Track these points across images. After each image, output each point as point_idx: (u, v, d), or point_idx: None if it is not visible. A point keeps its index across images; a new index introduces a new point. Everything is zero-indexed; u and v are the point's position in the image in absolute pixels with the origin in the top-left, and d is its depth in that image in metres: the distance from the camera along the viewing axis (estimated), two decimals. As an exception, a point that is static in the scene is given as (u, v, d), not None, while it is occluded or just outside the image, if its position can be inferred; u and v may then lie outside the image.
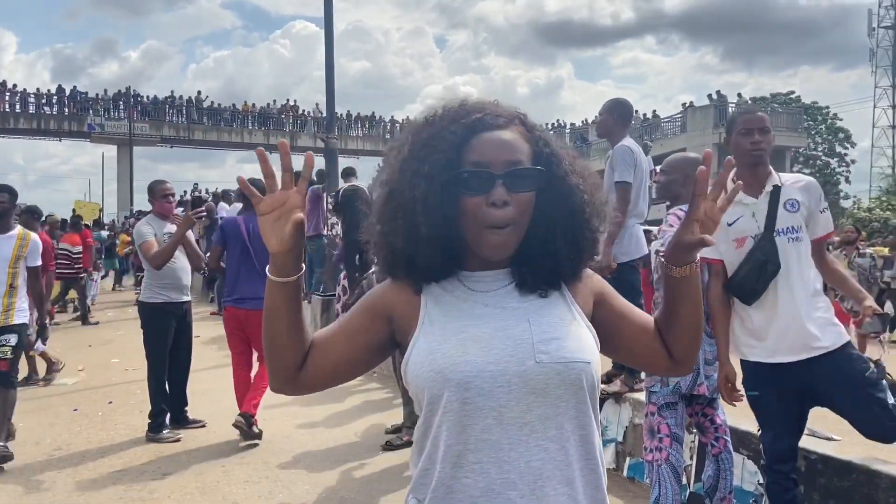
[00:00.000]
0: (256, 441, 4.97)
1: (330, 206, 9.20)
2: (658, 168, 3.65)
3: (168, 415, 5.27)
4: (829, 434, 4.99)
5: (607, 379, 4.54)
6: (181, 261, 5.29)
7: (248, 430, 4.92)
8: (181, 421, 5.39)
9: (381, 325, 1.22)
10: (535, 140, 1.22)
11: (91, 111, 35.35)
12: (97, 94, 36.34)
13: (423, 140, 1.21)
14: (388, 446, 4.77)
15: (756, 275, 2.74)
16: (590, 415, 1.17)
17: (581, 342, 1.17)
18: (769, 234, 2.75)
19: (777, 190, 2.79)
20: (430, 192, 1.16)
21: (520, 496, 1.09)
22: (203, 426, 5.39)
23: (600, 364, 1.21)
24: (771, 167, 2.88)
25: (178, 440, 5.09)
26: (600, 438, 1.20)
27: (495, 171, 1.14)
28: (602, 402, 4.42)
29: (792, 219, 2.77)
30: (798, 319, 2.73)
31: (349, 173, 8.87)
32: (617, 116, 4.72)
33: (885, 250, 11.85)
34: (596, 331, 1.23)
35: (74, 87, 36.25)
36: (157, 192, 5.41)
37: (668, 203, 3.41)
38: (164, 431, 5.15)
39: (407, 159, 1.21)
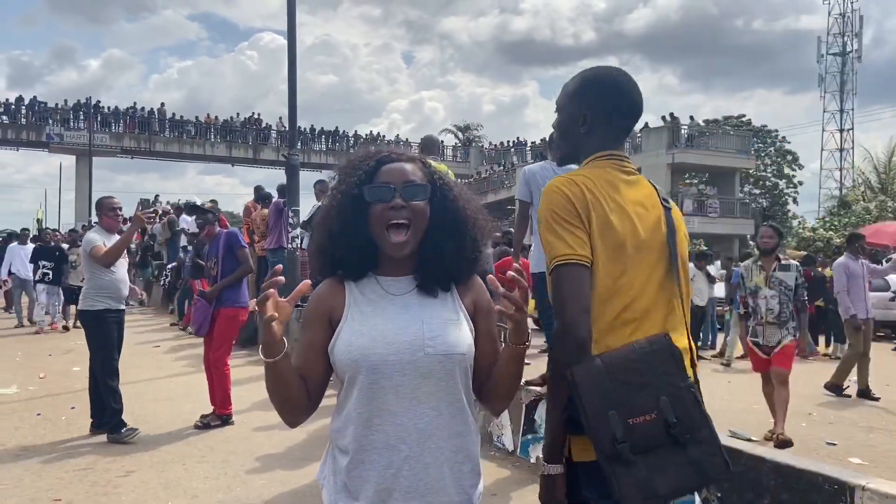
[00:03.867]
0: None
1: (292, 221, 9.51)
2: None
3: (120, 415, 5.47)
4: (748, 435, 5.54)
5: (543, 381, 4.96)
6: (121, 272, 5.64)
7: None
8: (103, 425, 5.54)
9: (328, 327, 1.58)
10: (430, 174, 1.64)
11: (50, 121, 34.94)
12: (56, 104, 35.95)
13: (346, 171, 1.64)
14: None
15: None
16: (461, 391, 1.57)
17: (459, 338, 1.56)
18: None
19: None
20: (343, 202, 1.59)
21: (408, 448, 1.51)
22: (137, 432, 5.55)
23: (474, 350, 1.60)
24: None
25: (136, 435, 5.39)
26: (473, 407, 1.61)
27: (395, 186, 1.55)
28: (537, 402, 4.84)
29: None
30: None
31: (322, 188, 9.19)
32: (548, 142, 5.44)
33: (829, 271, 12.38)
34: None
35: (34, 97, 35.87)
36: (105, 206, 5.75)
37: None
38: (123, 430, 5.40)
39: (334, 186, 1.65)
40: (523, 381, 5.19)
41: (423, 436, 1.52)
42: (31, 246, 13.45)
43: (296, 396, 1.55)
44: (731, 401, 7.05)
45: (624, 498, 1.52)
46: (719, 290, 11.83)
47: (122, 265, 5.69)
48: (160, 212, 16.70)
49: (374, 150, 1.66)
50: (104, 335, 5.49)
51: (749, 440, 5.08)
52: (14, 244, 14.01)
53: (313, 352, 1.59)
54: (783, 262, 5.83)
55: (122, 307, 5.67)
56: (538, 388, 4.90)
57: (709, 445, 1.56)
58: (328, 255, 1.62)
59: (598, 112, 1.80)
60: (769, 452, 3.48)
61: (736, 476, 3.51)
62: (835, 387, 7.71)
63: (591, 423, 1.54)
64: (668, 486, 1.54)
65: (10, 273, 13.34)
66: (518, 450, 4.90)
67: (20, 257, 13.24)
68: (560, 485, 1.66)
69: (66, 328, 12.49)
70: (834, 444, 5.69)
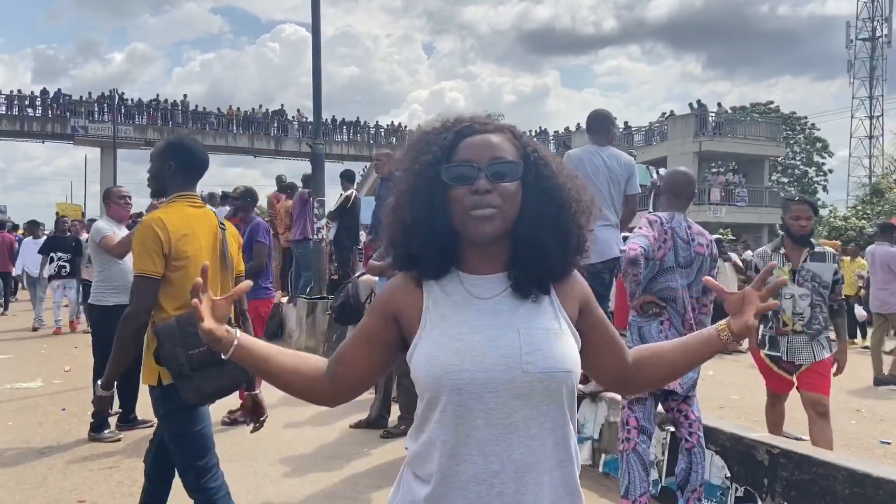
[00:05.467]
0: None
1: (317, 211, 9.33)
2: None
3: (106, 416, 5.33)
4: (797, 434, 5.25)
5: (584, 379, 4.72)
6: (131, 263, 5.41)
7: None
8: (129, 421, 5.47)
9: (391, 326, 1.37)
10: (522, 145, 1.35)
11: (75, 113, 35.18)
12: (81, 97, 36.20)
13: (418, 146, 1.36)
14: (387, 434, 5.17)
15: None
16: (566, 415, 1.32)
17: (564, 352, 1.30)
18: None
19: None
20: (417, 185, 1.33)
21: (502, 483, 1.26)
22: (151, 426, 5.47)
23: (580, 367, 1.36)
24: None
25: (118, 440, 5.17)
26: (576, 435, 1.36)
27: (479, 165, 1.28)
28: (579, 400, 4.60)
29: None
30: None
31: (349, 178, 9.03)
32: (587, 126, 5.11)
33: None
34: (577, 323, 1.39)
35: (59, 89, 36.06)
36: (113, 194, 5.59)
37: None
38: (106, 431, 5.22)
39: (403, 163, 1.38)
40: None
41: (520, 469, 1.27)
42: (42, 239, 12.40)
43: (292, 382, 1.41)
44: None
45: (185, 399, 2.56)
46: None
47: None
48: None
49: (452, 119, 1.38)
50: (111, 334, 5.30)
51: (799, 439, 4.80)
52: (28, 239, 13.18)
53: (361, 338, 1.40)
54: (816, 249, 4.36)
55: None
56: (579, 386, 4.66)
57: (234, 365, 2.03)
58: (401, 251, 1.37)
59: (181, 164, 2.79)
60: (842, 458, 3.22)
61: (804, 484, 3.25)
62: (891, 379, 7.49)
63: (164, 355, 2.54)
64: (212, 388, 2.57)
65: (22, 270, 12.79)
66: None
67: (33, 253, 12.18)
68: (108, 403, 2.82)
69: (87, 330, 11.59)
70: (888, 444, 5.41)
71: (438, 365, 1.27)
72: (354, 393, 1.43)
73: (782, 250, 4.38)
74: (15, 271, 13.41)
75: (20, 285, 15.59)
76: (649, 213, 3.46)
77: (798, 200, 4.47)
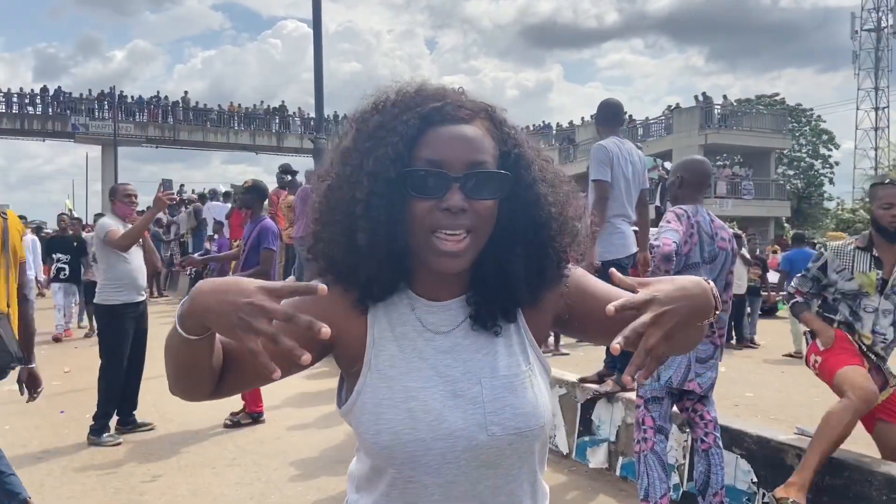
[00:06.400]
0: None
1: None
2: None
3: (108, 420, 5.21)
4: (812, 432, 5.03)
5: (599, 379, 4.55)
6: (137, 260, 5.31)
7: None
8: (129, 423, 5.36)
9: (316, 344, 0.98)
10: (503, 138, 1.05)
11: (75, 111, 35.09)
12: (81, 94, 36.11)
13: (369, 130, 1.03)
14: None
15: None
16: (537, 473, 1.11)
17: (536, 404, 1.05)
18: None
19: None
20: (374, 192, 1.00)
21: None
22: (152, 429, 5.35)
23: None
24: None
25: (118, 444, 5.05)
26: (544, 484, 1.15)
27: (453, 173, 0.98)
28: (594, 401, 4.43)
29: None
30: None
31: None
32: (601, 117, 4.86)
33: None
34: (569, 316, 1.12)
35: (59, 87, 36.02)
36: (119, 192, 5.44)
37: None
38: (105, 436, 5.10)
39: (349, 151, 1.05)
40: (577, 378, 4.81)
41: None
42: (30, 238, 10.19)
43: (206, 378, 1.01)
44: (789, 393, 6.57)
45: None
46: (773, 277, 11.21)
47: (138, 253, 5.33)
48: (185, 200, 16.45)
49: (413, 91, 1.05)
50: (117, 334, 5.18)
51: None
52: (26, 236, 12.06)
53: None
54: None
55: (141, 298, 5.34)
56: (594, 386, 4.49)
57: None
58: (343, 271, 1.05)
59: None
60: (878, 463, 3.05)
61: (837, 489, 3.08)
62: None
63: None
64: None
65: None
66: (573, 453, 4.50)
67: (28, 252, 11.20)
68: None
69: (89, 334, 10.14)
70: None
71: (388, 431, 1.01)
72: (228, 394, 1.08)
73: (874, 251, 3.40)
74: None
75: None
76: (681, 207, 3.29)
77: (889, 183, 3.50)
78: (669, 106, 31.13)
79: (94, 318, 9.48)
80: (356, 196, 1.00)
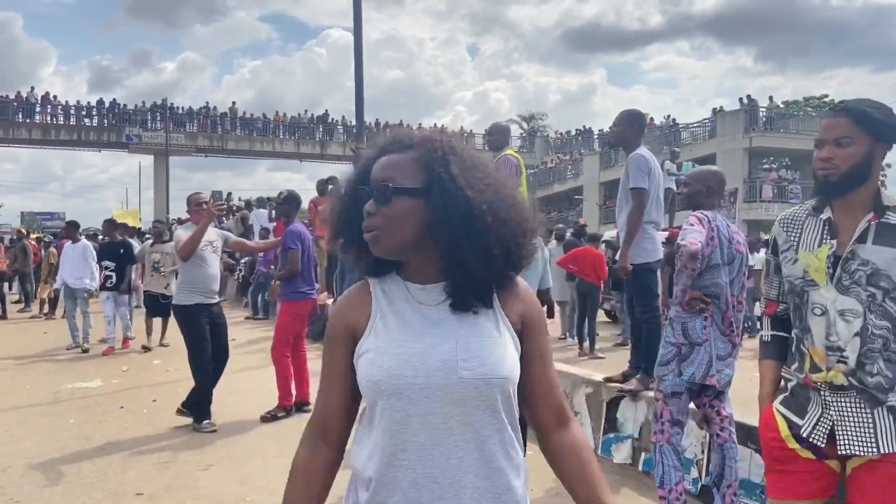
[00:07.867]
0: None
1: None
2: (683, 180, 3.90)
3: (206, 406, 5.68)
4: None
5: (623, 378, 4.74)
6: (213, 267, 5.72)
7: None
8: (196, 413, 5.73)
9: (352, 344, 1.38)
10: (429, 161, 1.35)
11: (129, 122, 36.42)
12: (135, 106, 37.48)
13: (359, 160, 1.49)
14: None
15: None
16: (504, 422, 1.34)
17: (501, 360, 1.33)
18: None
19: None
20: (344, 195, 1.45)
21: (440, 487, 1.30)
22: (215, 430, 5.62)
23: (519, 372, 1.37)
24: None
25: (214, 431, 5.53)
26: (518, 437, 1.38)
27: (371, 188, 1.36)
28: (618, 400, 4.62)
29: None
30: None
31: None
32: (636, 127, 4.98)
33: None
34: (521, 332, 1.41)
35: (114, 99, 37.45)
36: (192, 202, 5.85)
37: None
38: (205, 422, 5.57)
39: (350, 173, 1.51)
40: (602, 377, 5.00)
41: (457, 472, 1.30)
42: (83, 244, 10.27)
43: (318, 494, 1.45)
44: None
45: None
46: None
47: (214, 260, 5.75)
48: (233, 207, 17.02)
49: (388, 136, 1.46)
50: (195, 330, 5.60)
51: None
52: (67, 244, 10.50)
53: (334, 381, 1.41)
54: (889, 216, 2.06)
55: (214, 301, 5.75)
56: (618, 385, 4.68)
57: None
58: (354, 255, 1.46)
59: None
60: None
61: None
62: None
63: None
64: None
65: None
66: (599, 448, 4.70)
67: (70, 259, 10.02)
68: None
69: (145, 347, 9.72)
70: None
71: (378, 369, 1.31)
72: (344, 443, 1.45)
73: (825, 213, 2.12)
74: (56, 284, 11.61)
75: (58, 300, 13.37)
76: (702, 212, 3.49)
77: (830, 110, 2.25)
78: (714, 108, 30.80)
79: (162, 333, 9.98)
80: (340, 195, 1.46)
